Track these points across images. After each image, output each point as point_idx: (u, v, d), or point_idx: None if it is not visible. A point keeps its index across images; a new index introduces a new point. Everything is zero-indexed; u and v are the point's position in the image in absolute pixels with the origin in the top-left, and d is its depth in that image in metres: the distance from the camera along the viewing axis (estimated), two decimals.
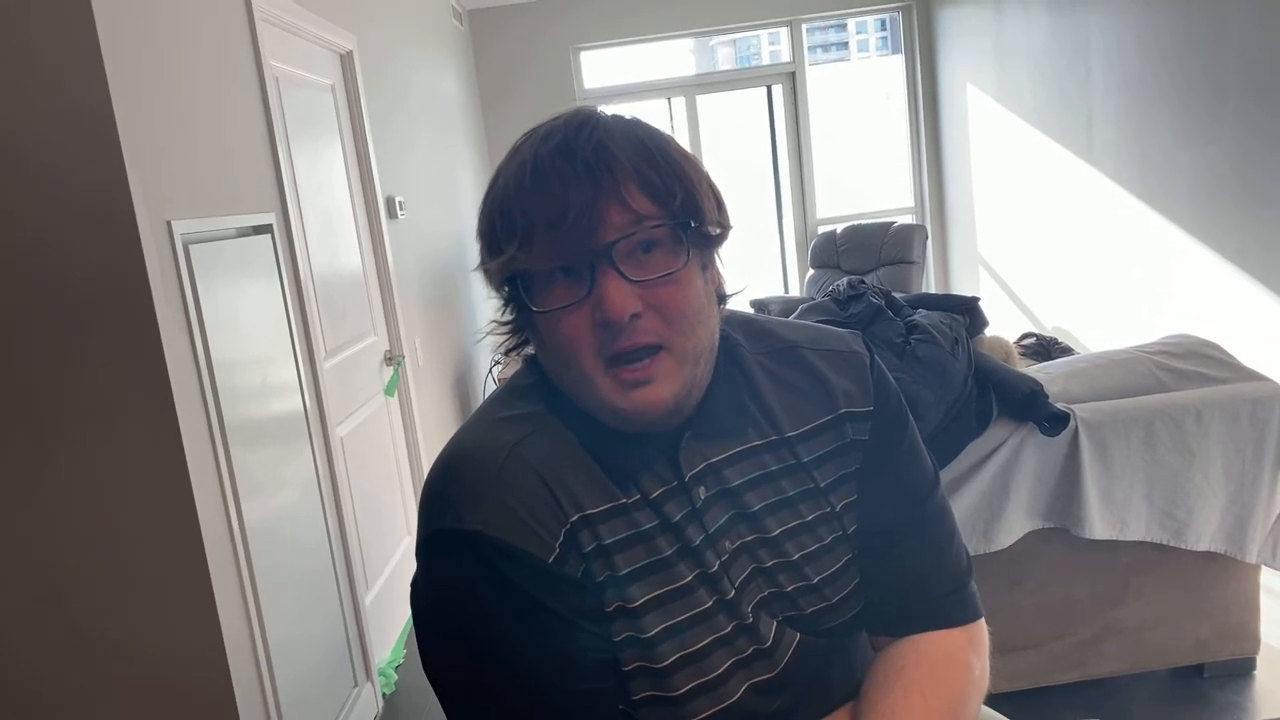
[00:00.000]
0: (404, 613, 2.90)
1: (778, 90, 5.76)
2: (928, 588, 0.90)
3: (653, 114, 5.50)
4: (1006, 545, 2.02)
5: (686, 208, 0.79)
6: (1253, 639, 2.15)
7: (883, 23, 6.44)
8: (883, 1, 5.54)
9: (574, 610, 0.78)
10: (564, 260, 0.77)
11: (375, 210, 3.04)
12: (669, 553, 0.82)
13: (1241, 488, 2.03)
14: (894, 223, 5.10)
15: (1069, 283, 4.28)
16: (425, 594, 0.82)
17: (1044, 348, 2.87)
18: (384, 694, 2.59)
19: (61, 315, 1.56)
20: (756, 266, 5.89)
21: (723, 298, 0.87)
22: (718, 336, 0.85)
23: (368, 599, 2.61)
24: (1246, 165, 2.99)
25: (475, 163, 5.09)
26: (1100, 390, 2.10)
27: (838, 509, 0.89)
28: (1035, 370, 2.22)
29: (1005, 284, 4.96)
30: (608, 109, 0.84)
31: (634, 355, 0.77)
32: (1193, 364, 2.14)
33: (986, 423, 2.02)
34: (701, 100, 5.70)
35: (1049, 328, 4.41)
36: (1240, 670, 2.18)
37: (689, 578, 0.82)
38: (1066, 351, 2.81)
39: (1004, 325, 4.25)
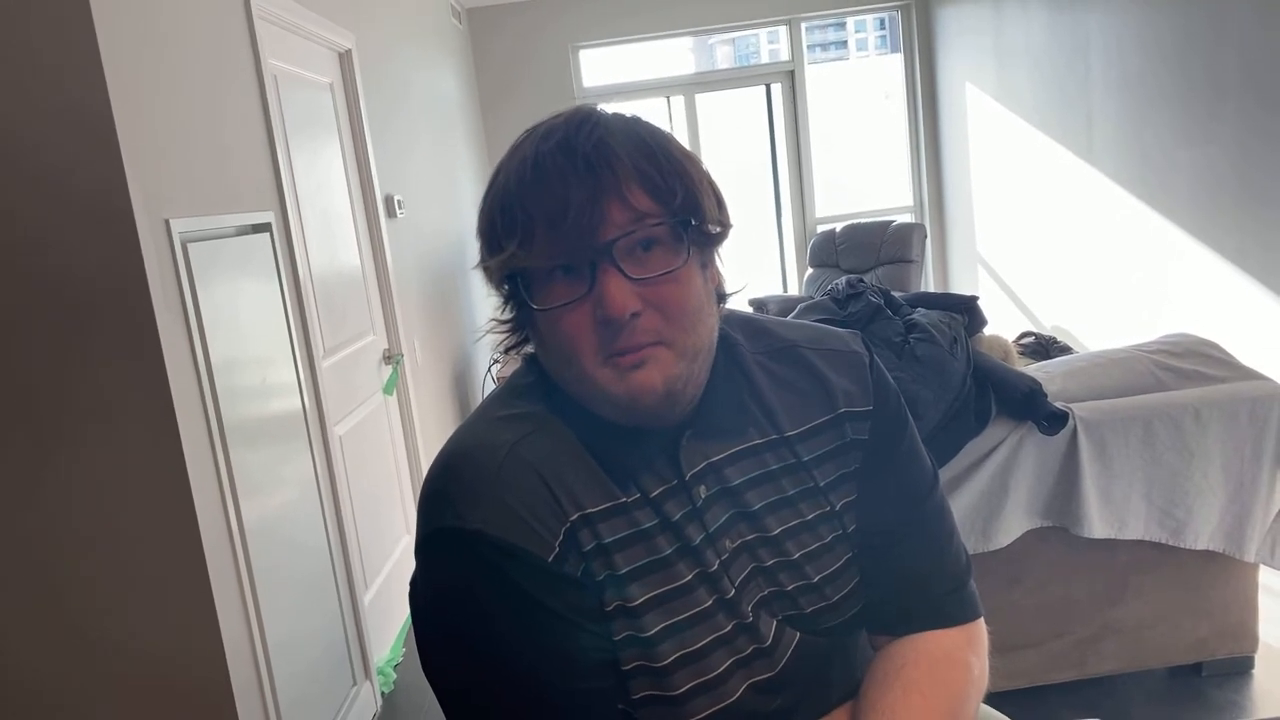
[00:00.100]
0: (403, 611, 2.90)
1: (777, 89, 5.76)
2: (927, 587, 0.90)
3: (651, 113, 5.42)
4: (1005, 544, 2.02)
5: (687, 206, 0.79)
6: (1251, 638, 2.16)
7: (882, 21, 6.44)
8: (882, 0, 5.54)
9: (574, 609, 0.78)
10: (564, 258, 0.77)
11: (374, 209, 3.04)
12: (669, 552, 0.82)
13: (1240, 487, 2.03)
14: (893, 222, 5.10)
15: (1068, 282, 4.28)
16: (424, 593, 0.81)
17: (1043, 347, 2.87)
18: (383, 693, 2.60)
19: (61, 315, 1.56)
20: (755, 265, 5.89)
21: (722, 297, 0.87)
22: (717, 335, 0.85)
23: (367, 598, 2.61)
24: (1246, 165, 2.99)
25: (474, 161, 5.08)
26: (1099, 389, 2.10)
27: (837, 508, 0.89)
28: (1034, 369, 2.22)
29: (1004, 283, 4.95)
30: (607, 107, 0.84)
31: (633, 349, 0.78)
32: (1192, 363, 2.14)
33: (985, 422, 2.02)
34: (700, 99, 5.70)
35: (1048, 327, 4.42)
36: (1239, 669, 2.19)
37: (689, 577, 0.82)
38: (1065, 350, 2.81)
39: (1003, 324, 4.25)
